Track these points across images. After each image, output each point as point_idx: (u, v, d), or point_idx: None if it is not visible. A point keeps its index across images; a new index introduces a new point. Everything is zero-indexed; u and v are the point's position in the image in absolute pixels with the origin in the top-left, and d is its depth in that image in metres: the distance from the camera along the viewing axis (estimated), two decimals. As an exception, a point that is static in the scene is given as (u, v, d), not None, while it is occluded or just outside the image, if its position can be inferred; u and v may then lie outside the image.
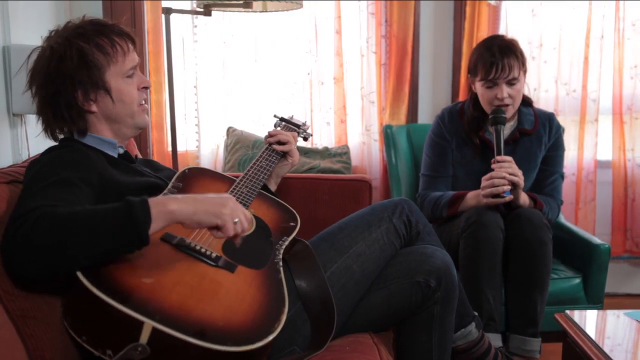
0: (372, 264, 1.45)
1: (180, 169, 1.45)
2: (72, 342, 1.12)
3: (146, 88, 1.37)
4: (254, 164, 1.54)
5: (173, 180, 1.37)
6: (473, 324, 1.61)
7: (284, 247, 1.31)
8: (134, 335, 0.92)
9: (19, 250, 0.97)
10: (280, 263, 1.25)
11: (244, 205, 1.36)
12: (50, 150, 1.29)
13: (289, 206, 1.49)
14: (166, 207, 1.02)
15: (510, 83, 1.96)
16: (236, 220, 1.08)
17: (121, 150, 1.37)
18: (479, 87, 2.02)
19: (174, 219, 1.04)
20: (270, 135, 1.64)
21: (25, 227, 0.97)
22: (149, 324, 0.92)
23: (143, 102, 1.36)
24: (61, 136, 1.35)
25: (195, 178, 1.42)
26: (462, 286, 1.62)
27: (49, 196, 1.06)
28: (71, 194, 1.11)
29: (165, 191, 1.31)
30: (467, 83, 2.14)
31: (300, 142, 1.77)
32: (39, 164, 1.20)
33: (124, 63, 1.30)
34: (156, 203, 1.02)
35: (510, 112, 1.99)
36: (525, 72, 2.02)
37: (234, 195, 1.37)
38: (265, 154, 1.59)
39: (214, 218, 1.06)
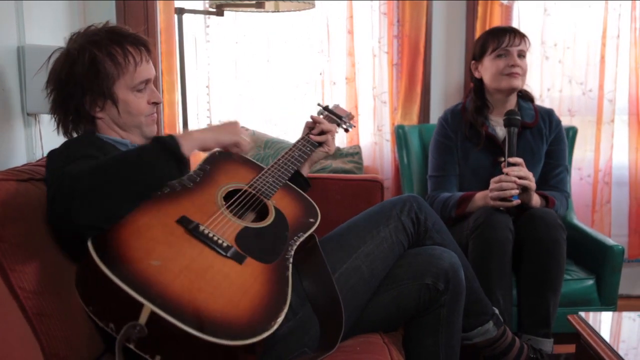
0: (381, 263, 1.44)
1: (192, 168, 1.46)
2: (87, 342, 1.13)
3: (156, 104, 1.37)
4: (287, 152, 1.53)
5: (202, 161, 1.37)
6: (490, 322, 1.58)
7: (297, 243, 1.29)
8: (134, 314, 0.96)
9: (67, 209, 1.01)
10: (291, 260, 1.24)
11: (267, 195, 1.36)
12: (68, 141, 1.32)
13: (312, 201, 1.46)
14: (191, 135, 1.20)
15: (520, 55, 2.03)
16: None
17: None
18: (488, 63, 2.04)
19: (199, 143, 1.21)
20: (312, 122, 1.63)
21: (65, 187, 1.02)
22: (148, 306, 0.96)
23: (152, 114, 1.37)
24: (74, 135, 1.37)
25: (223, 161, 1.42)
26: (478, 285, 1.61)
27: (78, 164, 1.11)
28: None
29: (191, 172, 1.32)
30: (469, 76, 2.16)
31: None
32: (60, 149, 1.23)
33: (134, 76, 1.30)
34: (180, 135, 1.17)
35: (519, 83, 2.04)
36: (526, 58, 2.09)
37: (259, 184, 1.38)
38: (300, 143, 1.57)
39: (233, 136, 1.29)
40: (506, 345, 1.60)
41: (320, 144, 1.61)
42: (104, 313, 1.00)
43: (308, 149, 1.57)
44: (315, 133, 1.60)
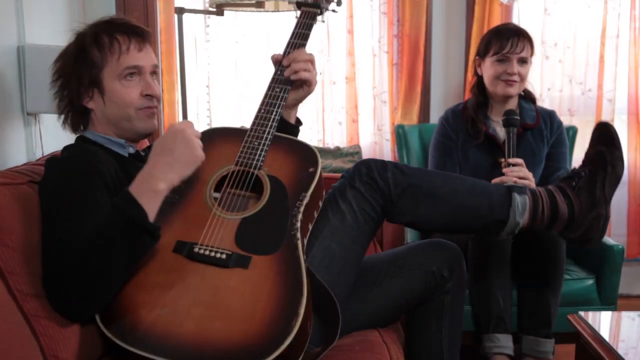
0: (350, 236, 1.38)
1: None
2: (86, 343, 1.13)
3: (150, 96, 1.30)
4: (262, 103, 1.38)
5: None
6: (514, 194, 1.40)
7: (302, 208, 1.21)
8: None
9: (63, 307, 1.07)
10: (298, 235, 1.17)
11: (256, 165, 1.26)
12: (64, 150, 1.31)
13: (306, 144, 1.36)
14: (152, 190, 1.09)
15: (521, 62, 2.01)
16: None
17: (132, 150, 1.36)
18: (488, 64, 2.04)
19: (166, 193, 1.11)
20: (282, 64, 1.42)
21: (57, 291, 1.06)
22: None
23: (146, 107, 1.30)
24: (78, 132, 1.36)
25: (207, 144, 1.23)
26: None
27: (69, 225, 1.10)
28: (90, 207, 1.14)
29: None
30: (473, 72, 2.16)
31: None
32: (56, 170, 1.21)
33: (119, 62, 1.26)
34: (142, 191, 1.08)
35: (516, 90, 2.02)
36: (530, 62, 2.06)
37: (245, 156, 1.27)
38: (273, 85, 1.40)
39: (194, 165, 1.15)
40: (550, 204, 1.41)
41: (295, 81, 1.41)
42: None
43: (284, 88, 1.39)
44: (290, 73, 1.40)
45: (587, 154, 1.47)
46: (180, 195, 1.20)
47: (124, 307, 1.05)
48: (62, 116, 1.35)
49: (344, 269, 1.37)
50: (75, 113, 1.32)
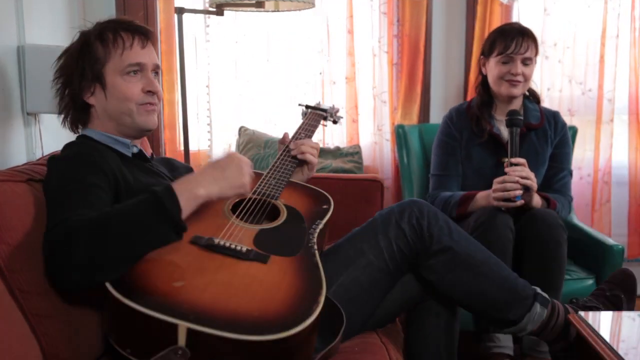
0: (382, 273, 1.38)
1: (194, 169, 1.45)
2: (87, 343, 1.13)
3: (152, 92, 1.32)
4: (274, 164, 1.48)
5: None
6: (536, 304, 1.43)
7: (317, 230, 1.27)
8: (172, 339, 0.92)
9: (62, 268, 1.00)
10: (315, 247, 1.21)
11: (274, 196, 1.34)
12: (67, 147, 1.30)
13: (320, 190, 1.44)
14: (193, 192, 1.09)
15: (525, 62, 2.01)
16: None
17: (135, 150, 1.37)
18: (492, 64, 2.04)
19: (202, 201, 1.11)
20: (292, 146, 1.52)
21: (61, 244, 0.99)
22: (183, 325, 0.92)
23: (147, 103, 1.31)
24: (79, 131, 1.36)
25: None
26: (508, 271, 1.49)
27: (76, 204, 1.08)
28: (97, 196, 1.13)
29: None
30: (477, 71, 2.16)
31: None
32: (60, 165, 1.20)
33: (122, 58, 1.28)
34: (183, 190, 1.08)
35: (519, 91, 2.03)
36: (535, 62, 2.06)
37: (263, 188, 1.36)
38: (282, 160, 1.49)
39: (237, 190, 1.17)
40: (562, 323, 1.44)
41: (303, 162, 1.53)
42: (142, 350, 0.95)
43: (293, 162, 1.50)
44: (296, 153, 1.51)
45: (603, 291, 1.53)
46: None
47: (137, 279, 1.01)
48: (62, 115, 1.35)
49: (367, 302, 1.39)
50: (75, 110, 1.32)
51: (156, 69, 1.36)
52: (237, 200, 1.30)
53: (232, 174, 1.15)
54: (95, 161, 1.20)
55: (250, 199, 1.31)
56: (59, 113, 1.35)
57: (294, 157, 1.51)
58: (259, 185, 1.38)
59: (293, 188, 1.43)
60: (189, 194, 1.09)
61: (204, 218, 1.19)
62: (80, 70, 1.28)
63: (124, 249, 1.01)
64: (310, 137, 1.60)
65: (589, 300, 1.52)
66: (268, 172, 1.45)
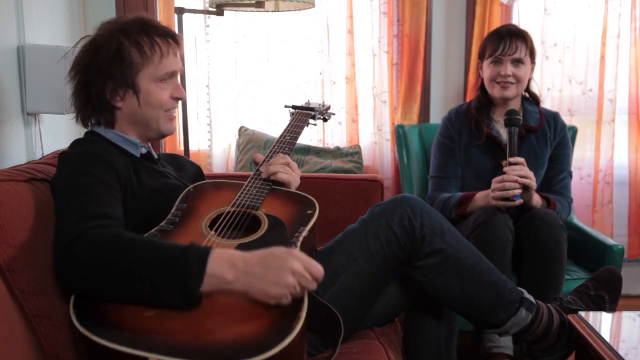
0: (374, 278, 1.37)
1: None
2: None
3: (178, 99, 1.34)
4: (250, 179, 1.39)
5: (177, 201, 1.29)
6: (522, 309, 1.43)
7: (301, 238, 1.21)
8: None
9: (69, 271, 1.01)
10: None
11: (254, 207, 1.28)
12: (77, 144, 1.30)
13: (304, 194, 1.37)
14: (224, 272, 0.99)
15: (515, 63, 2.01)
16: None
17: (144, 150, 1.37)
18: (485, 67, 2.06)
19: (227, 286, 1.00)
20: (262, 169, 1.40)
21: (75, 248, 1.00)
22: (153, 358, 0.89)
23: (171, 110, 1.33)
24: (89, 127, 1.35)
25: (199, 194, 1.33)
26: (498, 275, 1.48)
27: (92, 203, 1.08)
28: (112, 196, 1.13)
29: (169, 216, 1.23)
30: (476, 74, 2.17)
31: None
32: (73, 159, 1.20)
33: (159, 67, 1.28)
34: (214, 262, 0.99)
35: (512, 93, 2.03)
36: (533, 61, 2.06)
37: (243, 200, 1.29)
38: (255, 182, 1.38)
39: (266, 292, 1.00)
40: (544, 326, 1.45)
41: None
42: None
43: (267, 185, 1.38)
44: (265, 176, 1.38)
45: (587, 289, 1.52)
46: (174, 226, 1.19)
47: (107, 307, 0.99)
48: (75, 108, 1.33)
49: (360, 307, 1.39)
50: (100, 110, 1.30)
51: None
52: (215, 215, 1.25)
53: (271, 278, 1.00)
54: (109, 160, 1.20)
55: (228, 212, 1.25)
56: (72, 105, 1.33)
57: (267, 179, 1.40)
58: (240, 195, 1.31)
59: (275, 195, 1.35)
60: (220, 270, 0.99)
61: (178, 236, 1.16)
62: (111, 74, 1.26)
63: (128, 291, 0.99)
64: (295, 139, 1.53)
65: (572, 300, 1.51)
66: (247, 184, 1.37)
